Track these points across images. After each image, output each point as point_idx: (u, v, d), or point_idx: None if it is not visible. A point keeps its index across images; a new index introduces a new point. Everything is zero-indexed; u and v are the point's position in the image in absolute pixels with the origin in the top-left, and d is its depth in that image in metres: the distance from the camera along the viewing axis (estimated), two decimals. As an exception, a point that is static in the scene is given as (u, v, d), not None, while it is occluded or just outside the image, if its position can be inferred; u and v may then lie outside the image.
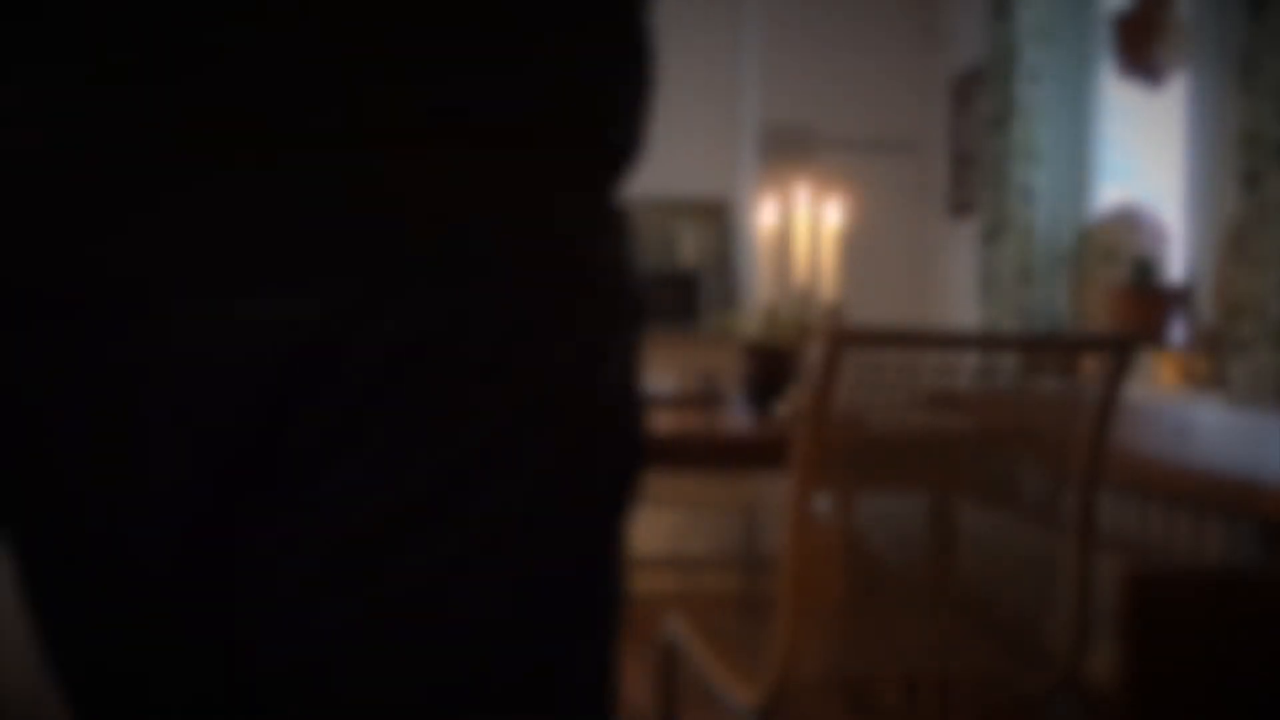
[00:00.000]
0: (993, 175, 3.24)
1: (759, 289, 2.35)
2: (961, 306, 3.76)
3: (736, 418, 2.23)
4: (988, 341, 1.34)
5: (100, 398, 0.52)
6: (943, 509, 1.38)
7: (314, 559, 0.52)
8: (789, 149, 4.08)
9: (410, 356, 0.51)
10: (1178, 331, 2.64)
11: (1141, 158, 3.14)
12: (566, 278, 0.54)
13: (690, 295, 4.28)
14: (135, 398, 0.51)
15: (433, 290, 0.51)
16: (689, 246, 4.46)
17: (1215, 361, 2.31)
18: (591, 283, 0.55)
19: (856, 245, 3.98)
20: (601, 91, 0.55)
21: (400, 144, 0.50)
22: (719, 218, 4.62)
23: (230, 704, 0.57)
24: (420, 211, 0.50)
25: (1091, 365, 1.37)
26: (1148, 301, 2.58)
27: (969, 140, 3.70)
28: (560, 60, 0.53)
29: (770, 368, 2.28)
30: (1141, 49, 2.63)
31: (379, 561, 0.52)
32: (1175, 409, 2.25)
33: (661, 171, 4.28)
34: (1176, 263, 2.71)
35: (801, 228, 2.15)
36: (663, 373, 2.60)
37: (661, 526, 4.04)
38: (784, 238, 2.43)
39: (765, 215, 2.30)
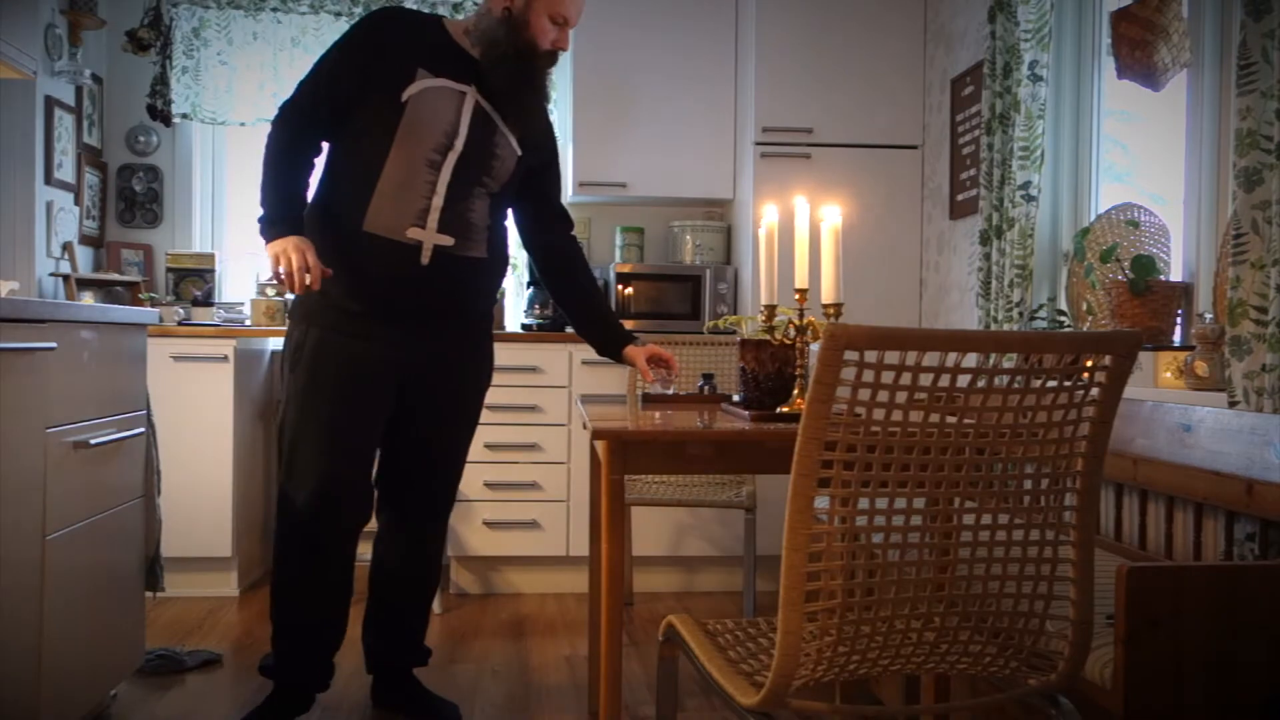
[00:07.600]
0: (993, 175, 3.24)
1: (760, 289, 2.35)
2: (962, 306, 3.76)
3: (737, 417, 2.23)
4: (988, 341, 1.34)
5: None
6: (943, 509, 1.37)
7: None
8: (790, 150, 4.08)
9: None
10: (1178, 331, 2.64)
11: (1141, 158, 3.14)
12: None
13: (694, 295, 4.27)
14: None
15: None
16: (692, 247, 4.46)
17: (1215, 361, 2.31)
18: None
19: (856, 245, 3.99)
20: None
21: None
22: (721, 219, 4.62)
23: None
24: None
25: (1092, 365, 1.38)
26: (1148, 301, 2.58)
27: (969, 140, 3.70)
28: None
29: (771, 367, 2.28)
30: (1141, 49, 2.63)
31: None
32: (1175, 409, 2.25)
33: (665, 175, 4.28)
34: (1176, 263, 2.71)
35: (802, 228, 2.15)
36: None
37: (661, 526, 4.05)
38: (784, 238, 2.43)
39: (767, 216, 2.30)
